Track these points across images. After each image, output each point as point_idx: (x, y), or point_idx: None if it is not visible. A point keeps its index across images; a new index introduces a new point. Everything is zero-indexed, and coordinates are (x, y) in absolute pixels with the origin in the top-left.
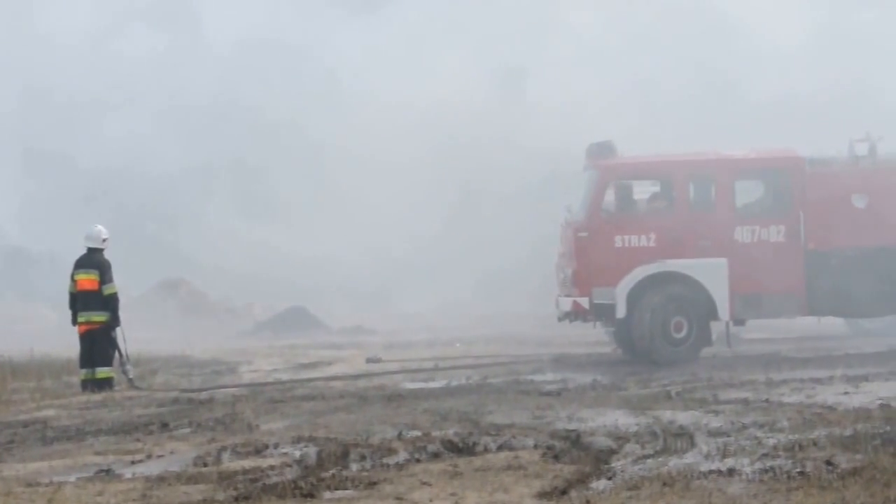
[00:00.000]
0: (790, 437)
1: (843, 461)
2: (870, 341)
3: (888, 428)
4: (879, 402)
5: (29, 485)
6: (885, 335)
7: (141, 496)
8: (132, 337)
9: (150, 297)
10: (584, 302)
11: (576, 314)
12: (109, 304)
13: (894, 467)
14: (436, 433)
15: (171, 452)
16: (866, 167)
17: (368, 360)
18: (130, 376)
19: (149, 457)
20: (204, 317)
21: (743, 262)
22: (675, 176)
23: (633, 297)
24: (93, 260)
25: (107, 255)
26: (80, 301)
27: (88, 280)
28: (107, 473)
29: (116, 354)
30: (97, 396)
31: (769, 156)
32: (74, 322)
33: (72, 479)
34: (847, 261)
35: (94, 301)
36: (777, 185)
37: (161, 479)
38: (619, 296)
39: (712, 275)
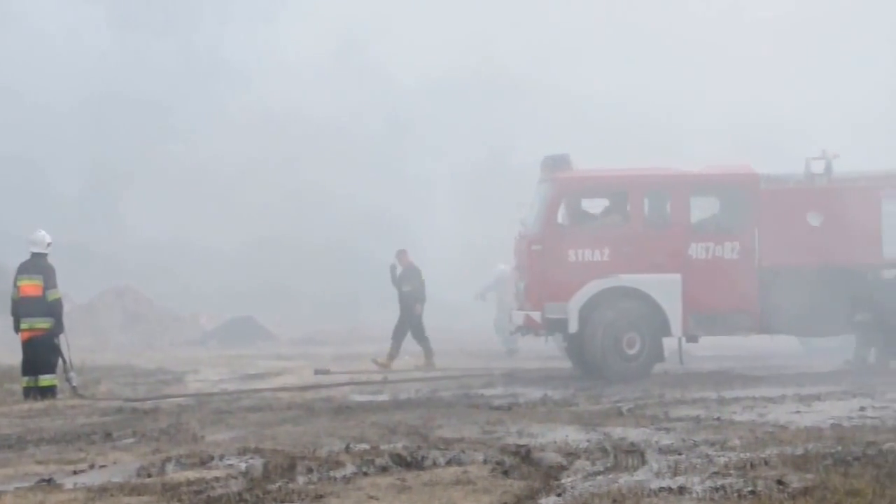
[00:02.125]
0: (741, 455)
1: (794, 480)
2: (822, 360)
3: (839, 448)
4: (831, 421)
5: None
6: (838, 354)
7: None
8: (76, 344)
9: (96, 304)
10: (537, 316)
11: (528, 328)
12: (53, 310)
13: (845, 487)
14: (384, 447)
15: (115, 463)
16: (821, 185)
17: (317, 372)
18: (74, 384)
19: (91, 467)
20: (150, 325)
21: (697, 279)
22: (631, 191)
23: (586, 312)
24: (37, 265)
25: (50, 259)
26: (22, 307)
27: (32, 286)
28: (48, 483)
29: (60, 362)
30: (40, 405)
31: (724, 172)
32: (17, 329)
33: (11, 488)
34: (801, 279)
35: (37, 307)
36: (732, 202)
37: (104, 490)
38: (572, 311)
39: (666, 291)
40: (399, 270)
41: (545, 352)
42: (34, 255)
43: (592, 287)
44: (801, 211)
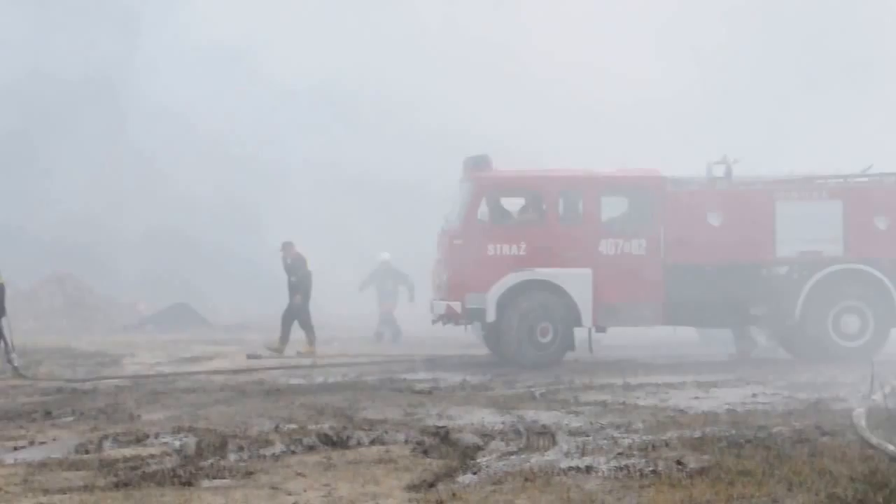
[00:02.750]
0: (644, 437)
1: (692, 461)
2: (719, 350)
3: (733, 431)
4: (726, 406)
5: None
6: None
7: (22, 481)
8: (18, 328)
9: (37, 290)
10: (457, 306)
11: (449, 317)
12: None
13: (738, 467)
14: (311, 427)
15: (54, 440)
16: (722, 188)
17: (249, 357)
18: (15, 364)
19: (31, 443)
20: (89, 311)
21: (606, 273)
22: (546, 190)
23: (503, 302)
24: None
25: None
26: None
27: None
28: None
29: (1, 344)
30: None
31: (633, 174)
32: None
33: None
34: (702, 275)
35: None
36: (640, 202)
37: (43, 465)
38: (490, 301)
39: (577, 284)
40: (288, 260)
41: (426, 339)
42: None
43: (509, 279)
44: (702, 211)
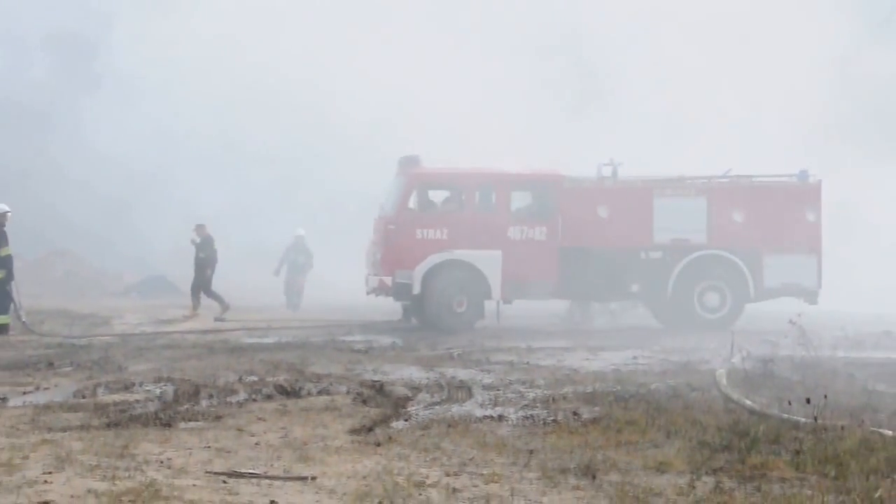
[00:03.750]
0: (545, 392)
1: (586, 412)
2: (606, 321)
3: (619, 387)
4: (612, 367)
5: None
6: (622, 317)
7: (30, 420)
8: (25, 292)
9: (42, 261)
10: (388, 280)
11: (381, 290)
12: (5, 264)
13: (625, 417)
14: (269, 379)
15: (56, 386)
16: (609, 185)
17: (216, 319)
18: (24, 320)
19: (37, 389)
20: (83, 280)
21: (513, 255)
22: (465, 185)
23: (427, 278)
24: None
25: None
26: None
27: None
28: (2, 401)
29: (12, 306)
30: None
31: (536, 173)
32: None
33: None
34: (591, 257)
35: None
36: (542, 196)
37: (47, 408)
38: (416, 277)
39: (489, 264)
40: (198, 240)
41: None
42: None
43: (433, 259)
44: (593, 204)
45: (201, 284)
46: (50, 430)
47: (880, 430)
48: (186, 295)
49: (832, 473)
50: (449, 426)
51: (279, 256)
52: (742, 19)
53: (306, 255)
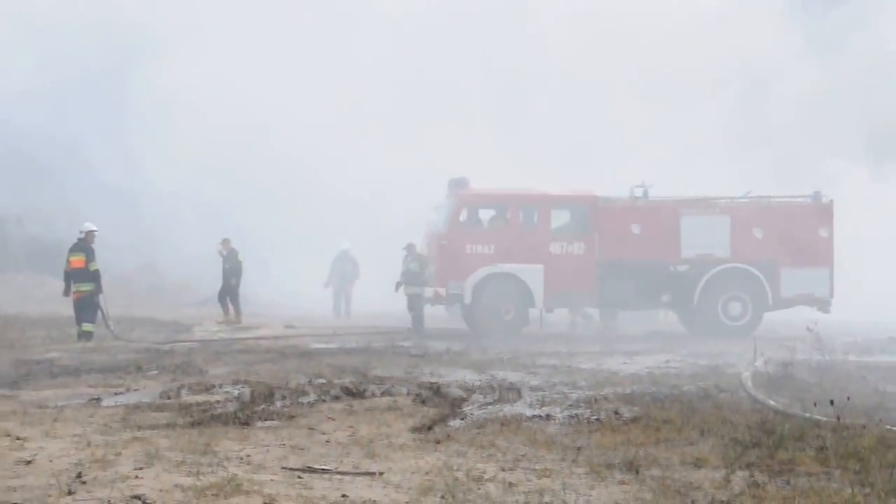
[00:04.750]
0: (587, 393)
1: (626, 411)
2: (638, 327)
3: (654, 388)
4: (647, 370)
5: (39, 407)
6: (649, 324)
7: (122, 419)
8: (114, 303)
9: (127, 275)
10: (443, 291)
11: (436, 299)
12: (94, 278)
13: (662, 416)
14: (336, 381)
15: (144, 388)
16: (641, 205)
17: (286, 326)
18: (112, 328)
19: (127, 390)
20: (165, 291)
21: (554, 268)
22: (510, 205)
23: (478, 289)
24: (80, 245)
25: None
26: (72, 275)
27: (78, 260)
28: (97, 401)
29: (100, 315)
30: (90, 344)
31: (574, 194)
32: (66, 292)
33: (71, 404)
34: (625, 270)
35: (82, 275)
36: (579, 214)
37: (136, 407)
38: (467, 288)
39: (532, 276)
40: (224, 252)
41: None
42: (80, 238)
43: (482, 272)
44: (626, 222)
45: (228, 292)
46: (139, 428)
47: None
48: (255, 304)
49: (855, 468)
50: (502, 425)
51: (327, 269)
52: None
53: (353, 265)
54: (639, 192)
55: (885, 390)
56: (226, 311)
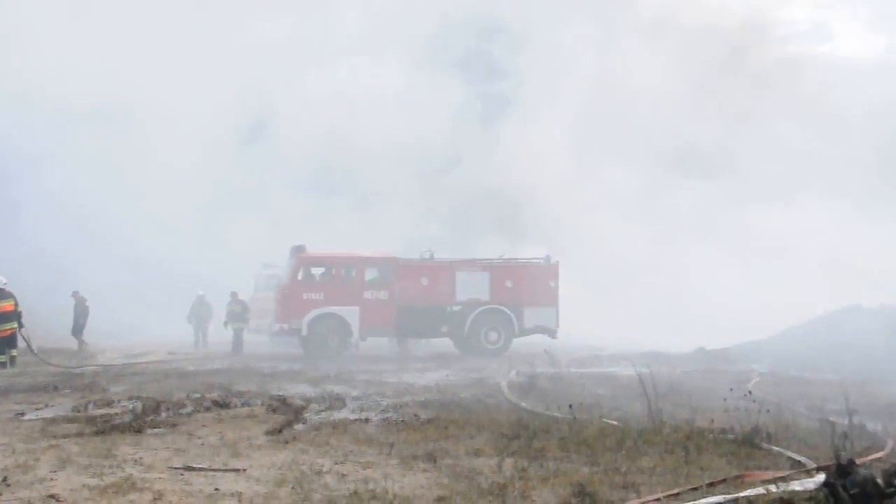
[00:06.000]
0: (394, 400)
1: (423, 414)
2: (425, 350)
3: (441, 396)
4: (434, 382)
5: None
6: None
7: (41, 430)
8: (35, 335)
9: (47, 311)
10: (286, 326)
11: (281, 332)
12: (19, 317)
13: (448, 417)
14: (208, 395)
15: (59, 404)
16: (428, 264)
17: (168, 353)
18: (37, 353)
19: (46, 406)
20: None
21: (367, 309)
22: (335, 264)
23: (311, 324)
24: (5, 293)
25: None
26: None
27: (8, 305)
28: (21, 415)
29: (26, 345)
30: (17, 369)
31: (381, 255)
32: None
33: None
34: (416, 310)
35: (10, 317)
36: (385, 271)
37: (53, 420)
38: (304, 324)
39: (351, 315)
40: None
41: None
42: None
43: (314, 312)
44: (418, 276)
45: (77, 329)
46: (55, 437)
47: (610, 421)
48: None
49: (587, 452)
50: (333, 427)
51: (188, 309)
52: None
53: (207, 308)
54: (427, 255)
55: (598, 393)
56: (80, 344)
